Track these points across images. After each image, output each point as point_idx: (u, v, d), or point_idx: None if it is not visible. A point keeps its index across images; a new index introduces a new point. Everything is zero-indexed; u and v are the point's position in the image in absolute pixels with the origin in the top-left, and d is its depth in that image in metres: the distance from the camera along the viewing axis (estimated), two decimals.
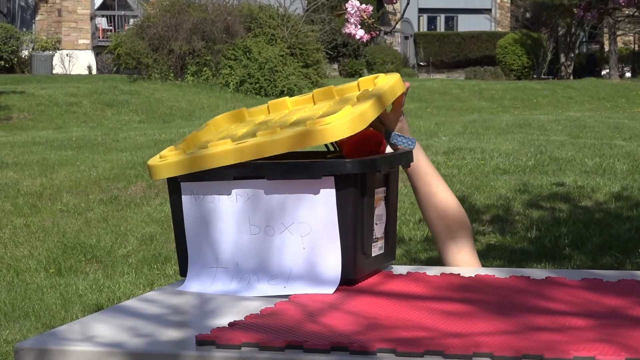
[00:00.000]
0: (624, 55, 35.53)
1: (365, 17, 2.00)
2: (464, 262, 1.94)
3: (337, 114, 1.62)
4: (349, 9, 2.00)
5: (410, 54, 39.13)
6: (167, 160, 1.70)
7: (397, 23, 2.54)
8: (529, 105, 23.32)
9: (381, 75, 1.81)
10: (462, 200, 8.05)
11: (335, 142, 1.81)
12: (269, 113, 1.90)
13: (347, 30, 1.99)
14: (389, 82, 1.76)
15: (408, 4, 2.56)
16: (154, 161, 1.74)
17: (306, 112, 1.79)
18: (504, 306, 1.48)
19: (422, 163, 1.93)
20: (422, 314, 1.43)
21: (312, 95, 1.87)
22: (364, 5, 2.01)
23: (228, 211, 1.66)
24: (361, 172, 1.61)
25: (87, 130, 16.52)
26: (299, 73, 24.57)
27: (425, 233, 7.12)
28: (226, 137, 1.74)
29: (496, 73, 33.48)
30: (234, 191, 1.65)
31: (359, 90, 1.81)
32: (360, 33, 1.98)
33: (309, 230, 1.62)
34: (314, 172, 1.60)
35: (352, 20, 1.98)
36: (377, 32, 2.09)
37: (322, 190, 1.60)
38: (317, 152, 1.87)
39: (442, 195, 1.94)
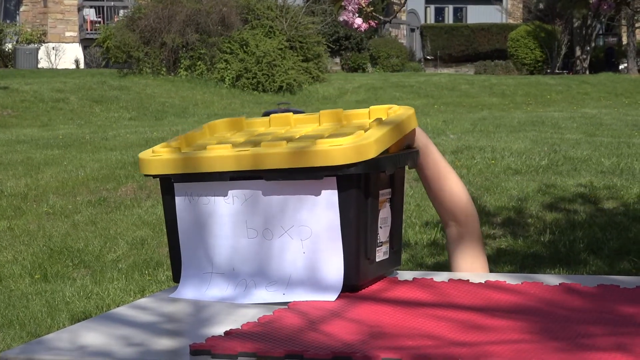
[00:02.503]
0: None
1: (364, 5, 2.00)
2: (470, 265, 1.96)
3: (347, 137, 1.61)
4: None
5: (416, 47, 39.14)
6: (161, 157, 1.71)
7: (397, 12, 2.54)
8: (542, 101, 23.32)
9: (395, 106, 1.82)
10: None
11: None
12: (270, 126, 1.90)
13: (344, 18, 1.99)
14: (404, 114, 1.77)
15: None
16: (146, 155, 1.74)
17: (311, 131, 1.79)
18: (516, 314, 1.48)
19: (433, 153, 1.96)
20: (428, 322, 1.44)
21: (319, 115, 1.88)
22: None
23: (224, 213, 1.66)
24: (365, 172, 1.61)
25: (74, 127, 16.53)
26: (298, 67, 24.57)
27: (432, 237, 7.13)
28: (224, 142, 1.74)
29: (507, 67, 33.45)
30: (230, 192, 1.66)
31: (369, 118, 1.82)
32: (358, 22, 1.98)
33: (310, 233, 1.62)
34: (315, 172, 1.60)
35: (349, 7, 1.98)
36: (377, 22, 2.09)
37: (323, 192, 1.61)
38: None
39: (451, 188, 1.97)
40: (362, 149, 1.59)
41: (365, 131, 1.65)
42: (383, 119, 1.73)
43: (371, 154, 1.60)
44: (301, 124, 1.88)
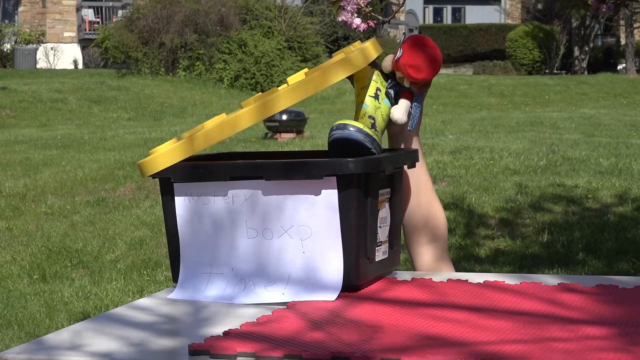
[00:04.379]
0: None
1: (362, 5, 2.00)
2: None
3: (338, 54, 1.73)
4: None
5: None
6: (160, 152, 1.71)
7: (396, 12, 2.54)
8: (540, 101, 23.33)
9: (356, 42, 1.85)
10: (470, 202, 8.06)
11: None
12: None
13: (343, 18, 1.99)
14: (365, 44, 1.81)
15: None
16: (145, 158, 1.75)
17: None
18: (515, 314, 1.48)
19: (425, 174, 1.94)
20: (428, 322, 1.44)
21: (304, 72, 1.88)
22: None
23: (224, 213, 1.66)
24: (365, 172, 1.61)
25: (72, 128, 16.53)
26: (297, 68, 24.58)
27: None
28: None
29: (506, 68, 33.47)
30: (230, 192, 1.66)
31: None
32: (356, 22, 1.98)
33: (310, 233, 1.62)
34: (315, 171, 1.60)
35: (348, 7, 1.98)
36: (375, 22, 2.09)
37: (323, 191, 1.61)
38: (318, 152, 1.88)
39: (438, 207, 1.95)
40: (364, 50, 1.71)
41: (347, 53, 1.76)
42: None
43: (362, 63, 1.71)
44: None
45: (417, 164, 1.88)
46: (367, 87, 1.82)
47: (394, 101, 1.83)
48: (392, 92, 1.83)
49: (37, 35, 30.65)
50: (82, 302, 6.20)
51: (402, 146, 1.91)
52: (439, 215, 1.94)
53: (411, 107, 1.84)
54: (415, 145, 1.91)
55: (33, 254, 7.44)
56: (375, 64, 1.84)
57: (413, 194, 1.92)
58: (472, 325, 1.42)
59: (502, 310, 1.51)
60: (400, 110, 1.82)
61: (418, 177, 1.92)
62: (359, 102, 1.81)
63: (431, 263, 1.94)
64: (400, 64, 1.79)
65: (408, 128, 1.85)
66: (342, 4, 1.99)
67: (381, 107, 1.81)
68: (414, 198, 1.93)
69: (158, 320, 1.54)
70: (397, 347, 1.30)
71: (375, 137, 1.74)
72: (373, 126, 1.78)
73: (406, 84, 1.82)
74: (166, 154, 1.70)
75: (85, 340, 1.42)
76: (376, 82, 1.82)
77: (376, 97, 1.81)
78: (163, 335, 1.46)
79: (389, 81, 1.84)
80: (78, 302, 6.19)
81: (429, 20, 41.91)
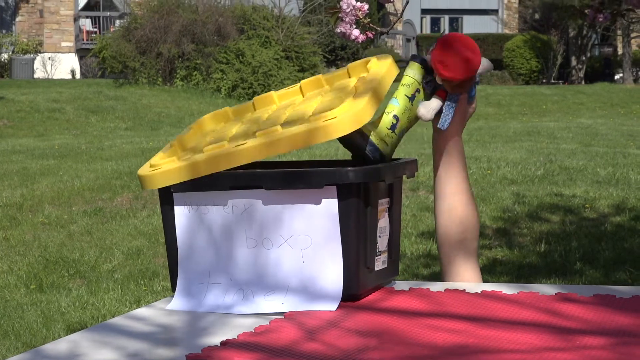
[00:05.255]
0: (638, 59, 35.54)
1: (361, 17, 2.01)
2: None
3: (341, 107, 1.62)
4: (343, 7, 2.01)
5: None
6: (162, 169, 1.70)
7: (394, 23, 2.55)
8: (537, 111, 23.35)
9: (373, 59, 1.81)
10: None
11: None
12: (255, 110, 1.90)
13: (342, 29, 2.00)
14: (382, 69, 1.75)
15: (407, 3, 2.56)
16: (145, 171, 1.73)
17: (299, 107, 1.78)
18: (512, 324, 1.48)
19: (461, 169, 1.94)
20: (426, 332, 1.44)
21: (300, 86, 1.88)
22: (359, 4, 2.02)
23: (223, 223, 1.66)
24: (365, 181, 1.61)
25: (70, 138, 16.52)
26: (294, 77, 24.58)
27: (428, 247, 7.12)
28: (219, 139, 1.74)
29: (503, 77, 33.50)
30: (230, 201, 1.66)
31: (349, 77, 1.82)
32: (355, 33, 1.99)
33: (310, 242, 1.62)
34: (315, 181, 1.60)
35: (346, 19, 1.99)
36: (374, 33, 2.09)
37: (323, 201, 1.61)
38: (318, 162, 1.88)
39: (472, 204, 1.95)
40: (358, 115, 1.61)
41: (354, 97, 1.66)
42: (365, 76, 1.73)
43: (367, 117, 1.62)
44: (285, 100, 1.88)
45: (445, 169, 1.89)
46: (406, 85, 1.77)
47: (428, 98, 1.80)
48: (428, 88, 1.79)
49: (34, 45, 30.64)
50: (79, 312, 6.19)
51: (439, 149, 1.91)
52: (442, 222, 1.94)
53: (443, 106, 1.80)
54: (453, 150, 1.91)
55: (30, 264, 7.43)
56: (417, 57, 1.79)
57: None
58: (470, 335, 1.42)
59: (500, 320, 1.51)
60: (427, 107, 1.77)
61: (436, 183, 1.94)
62: (393, 97, 1.78)
63: (444, 266, 1.95)
64: (431, 58, 1.75)
65: (438, 126, 1.83)
66: (340, 15, 1.99)
67: (411, 110, 1.78)
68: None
69: (155, 330, 1.54)
70: (395, 357, 1.30)
71: (382, 145, 1.72)
72: (393, 127, 1.75)
73: (438, 80, 1.78)
74: (168, 174, 1.69)
75: (83, 350, 1.41)
76: (419, 83, 1.78)
77: (412, 98, 1.77)
78: (160, 346, 1.46)
79: (427, 77, 1.79)
80: (75, 312, 6.18)
81: (427, 30, 41.94)
